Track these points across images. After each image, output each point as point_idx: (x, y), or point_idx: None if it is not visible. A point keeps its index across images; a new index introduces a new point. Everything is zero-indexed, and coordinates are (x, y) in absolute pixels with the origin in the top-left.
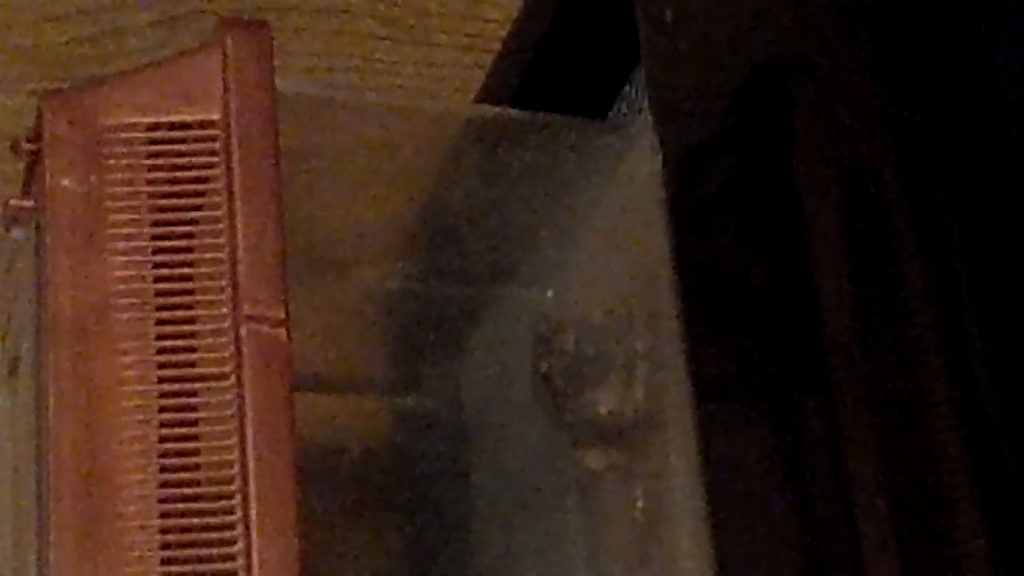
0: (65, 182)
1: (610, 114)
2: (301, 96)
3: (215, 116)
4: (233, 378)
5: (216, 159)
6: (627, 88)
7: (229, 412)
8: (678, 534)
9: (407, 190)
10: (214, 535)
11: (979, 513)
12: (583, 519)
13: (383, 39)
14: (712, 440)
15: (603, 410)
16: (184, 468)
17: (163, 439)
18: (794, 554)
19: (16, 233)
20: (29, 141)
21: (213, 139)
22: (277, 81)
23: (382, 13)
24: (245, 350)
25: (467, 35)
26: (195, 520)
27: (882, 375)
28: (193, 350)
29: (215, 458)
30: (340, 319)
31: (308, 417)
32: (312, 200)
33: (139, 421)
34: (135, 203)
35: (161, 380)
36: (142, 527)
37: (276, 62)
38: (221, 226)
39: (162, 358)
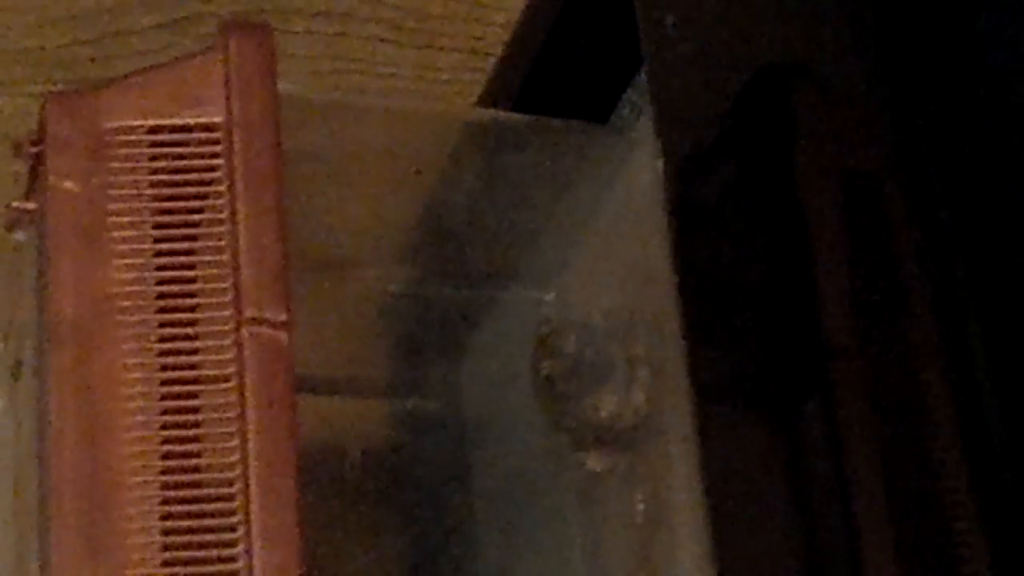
0: (67, 184)
1: (612, 118)
2: (303, 99)
3: (217, 119)
4: (235, 380)
5: (218, 162)
6: (629, 92)
7: (230, 414)
8: (678, 536)
9: (409, 193)
10: (215, 537)
11: (979, 516)
12: (583, 521)
13: (385, 42)
14: (712, 443)
15: (603, 413)
16: (185, 470)
17: (165, 441)
18: (794, 557)
19: (19, 235)
20: (32, 143)
21: (215, 142)
22: (279, 84)
23: (385, 16)
24: (247, 352)
25: (469, 38)
26: (196, 522)
27: (882, 379)
28: (195, 352)
29: (216, 460)
30: (341, 321)
31: (309, 419)
32: (314, 202)
33: (141, 423)
34: (137, 205)
35: (163, 382)
36: (143, 529)
37: (278, 65)
38: (223, 229)
39: (164, 360)
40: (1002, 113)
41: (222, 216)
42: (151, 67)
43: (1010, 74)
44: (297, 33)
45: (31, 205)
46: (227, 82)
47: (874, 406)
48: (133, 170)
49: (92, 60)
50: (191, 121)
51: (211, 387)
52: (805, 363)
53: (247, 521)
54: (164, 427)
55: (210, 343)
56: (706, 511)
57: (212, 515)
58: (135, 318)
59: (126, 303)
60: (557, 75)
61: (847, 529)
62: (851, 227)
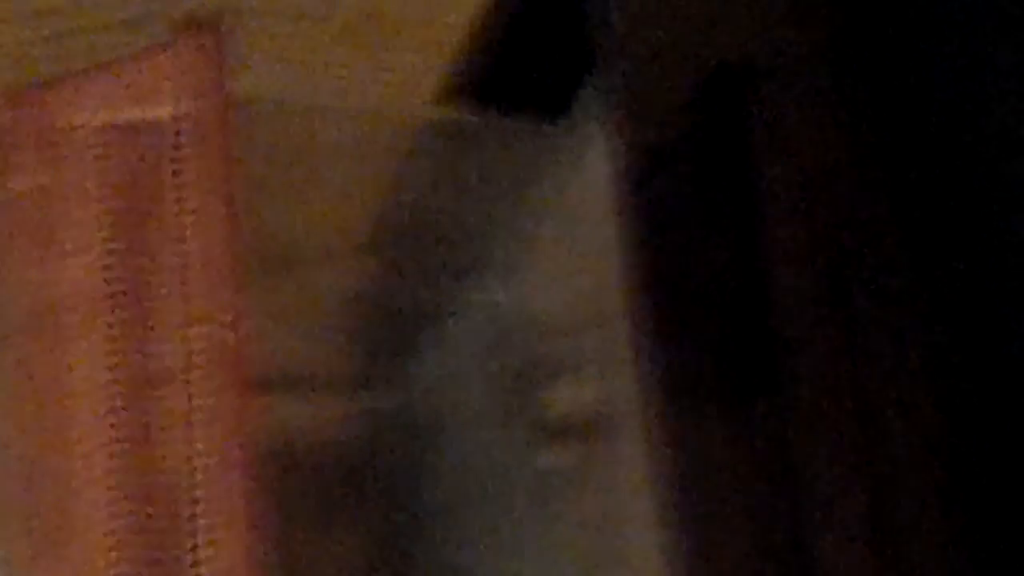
0: (18, 182)
1: (567, 117)
2: (259, 99)
3: (166, 117)
4: (183, 378)
5: (168, 159)
6: (583, 91)
7: (179, 412)
8: (631, 531)
9: (364, 192)
10: (165, 536)
11: (936, 508)
12: (537, 516)
13: (340, 43)
14: (665, 439)
15: (557, 409)
16: (135, 468)
17: (115, 439)
18: (748, 551)
19: None
20: None
21: (165, 140)
22: (234, 84)
23: (340, 17)
24: (195, 351)
25: (424, 40)
26: (146, 521)
27: (836, 376)
28: (144, 351)
29: (165, 456)
30: (299, 320)
31: (267, 417)
32: (269, 202)
33: (90, 420)
34: (87, 203)
35: (112, 381)
36: (92, 525)
37: (234, 65)
38: (172, 228)
39: (113, 359)
40: (959, 109)
41: (171, 215)
42: (101, 65)
43: (968, 70)
44: (251, 33)
45: None
46: (177, 81)
47: (827, 402)
48: (83, 168)
49: (53, 58)
50: (141, 119)
51: (160, 386)
52: (759, 360)
53: (194, 517)
54: (114, 425)
55: (159, 341)
56: (659, 506)
57: (162, 513)
58: (84, 315)
59: (75, 300)
60: (513, 75)
61: (800, 523)
62: (806, 224)
